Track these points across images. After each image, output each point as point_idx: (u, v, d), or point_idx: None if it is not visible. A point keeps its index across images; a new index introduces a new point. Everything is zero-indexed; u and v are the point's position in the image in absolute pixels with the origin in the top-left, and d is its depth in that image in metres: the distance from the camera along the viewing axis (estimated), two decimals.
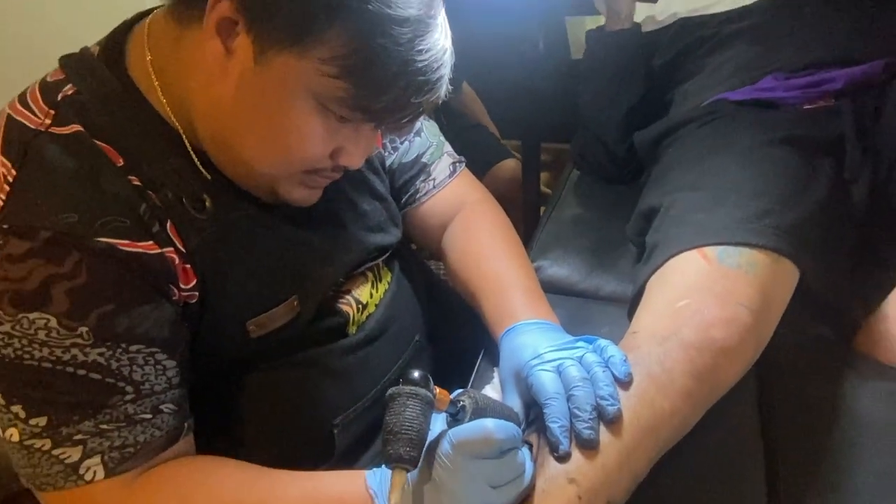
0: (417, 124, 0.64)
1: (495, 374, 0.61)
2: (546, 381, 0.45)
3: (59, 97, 0.42)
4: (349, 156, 0.46)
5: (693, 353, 0.46)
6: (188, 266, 0.44)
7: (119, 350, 0.40)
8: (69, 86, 0.42)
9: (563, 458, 0.42)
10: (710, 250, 0.53)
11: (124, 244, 0.40)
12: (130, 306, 0.40)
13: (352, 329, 0.58)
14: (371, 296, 0.60)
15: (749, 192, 0.59)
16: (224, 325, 0.48)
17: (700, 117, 0.74)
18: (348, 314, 0.57)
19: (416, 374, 0.36)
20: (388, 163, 0.63)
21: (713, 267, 0.53)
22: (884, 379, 0.56)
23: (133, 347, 0.41)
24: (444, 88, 0.45)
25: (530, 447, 0.43)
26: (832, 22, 0.76)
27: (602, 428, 0.43)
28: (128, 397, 0.41)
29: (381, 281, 0.62)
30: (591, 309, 0.56)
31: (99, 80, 0.43)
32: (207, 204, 0.45)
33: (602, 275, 0.72)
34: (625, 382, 0.45)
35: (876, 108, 0.68)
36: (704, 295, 0.50)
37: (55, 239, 0.37)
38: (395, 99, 0.41)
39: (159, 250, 0.42)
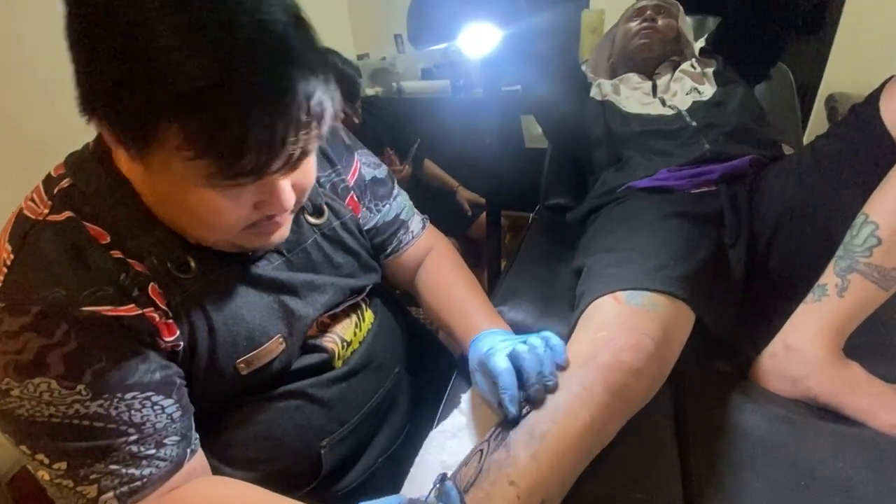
0: (365, 167, 0.72)
1: (463, 399, 0.68)
2: (498, 360, 0.56)
3: (56, 190, 0.47)
4: (270, 206, 0.47)
5: (607, 373, 0.54)
6: (170, 321, 0.48)
7: (116, 399, 0.44)
8: (66, 179, 0.48)
9: (512, 422, 0.52)
10: (621, 294, 0.65)
11: (107, 310, 0.43)
12: (119, 361, 0.44)
13: (337, 363, 0.64)
14: (355, 334, 0.66)
15: (650, 252, 0.72)
16: (216, 365, 0.52)
17: (615, 200, 0.92)
18: (333, 350, 0.63)
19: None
20: (373, 222, 0.72)
21: (623, 307, 0.64)
22: (773, 405, 0.64)
23: (128, 395, 0.45)
24: (321, 121, 0.43)
25: None
26: (709, 129, 0.96)
27: (536, 438, 0.50)
28: (131, 438, 0.45)
29: (363, 321, 0.69)
30: None
31: (90, 174, 0.48)
32: (192, 265, 0.50)
33: (551, 318, 0.81)
34: (563, 367, 0.56)
35: (749, 192, 0.85)
36: (616, 328, 0.60)
37: (44, 312, 0.41)
38: (260, 154, 0.40)
39: (139, 311, 0.45)
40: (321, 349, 0.62)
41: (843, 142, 0.73)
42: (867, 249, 0.62)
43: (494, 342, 0.61)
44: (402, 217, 0.77)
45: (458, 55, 2.12)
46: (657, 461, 0.58)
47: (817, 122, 1.93)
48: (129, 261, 0.47)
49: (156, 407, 0.47)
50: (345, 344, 0.65)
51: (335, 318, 0.66)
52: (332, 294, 0.63)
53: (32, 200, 0.47)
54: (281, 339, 0.56)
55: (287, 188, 0.47)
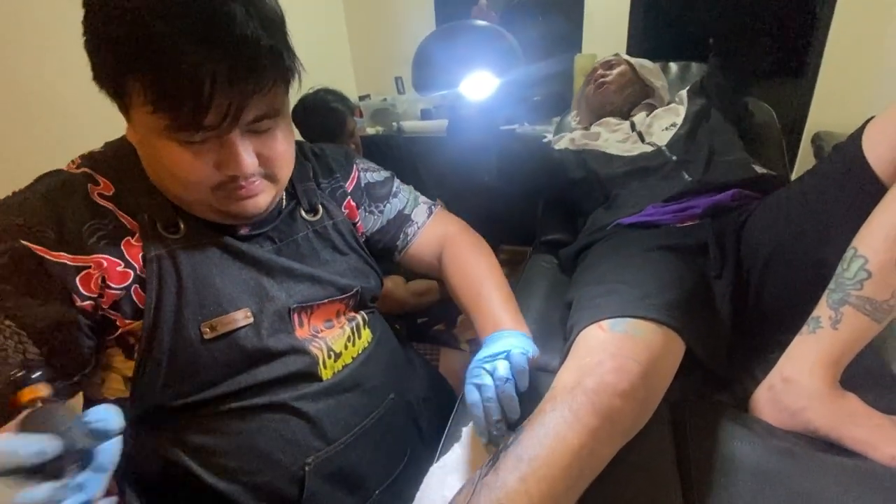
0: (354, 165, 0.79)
1: (464, 433, 0.67)
2: (470, 393, 0.62)
3: (88, 153, 0.57)
4: (229, 166, 0.52)
5: (594, 396, 0.55)
6: (128, 272, 0.53)
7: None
8: (101, 147, 0.59)
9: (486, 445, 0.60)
10: (605, 323, 0.67)
11: (40, 249, 0.49)
12: (18, 290, 0.48)
13: (324, 373, 0.63)
14: (346, 347, 0.67)
15: (635, 282, 0.74)
16: (180, 323, 0.54)
17: (604, 238, 0.95)
18: (317, 356, 0.62)
19: None
20: (379, 224, 0.79)
21: (607, 334, 0.65)
22: (774, 437, 0.64)
23: (7, 322, 0.48)
24: (258, 72, 0.49)
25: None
26: (688, 162, 1.01)
27: (525, 462, 0.51)
28: None
29: (359, 338, 0.69)
30: (541, 379, 0.65)
31: (117, 145, 0.58)
32: (182, 227, 0.56)
33: (550, 353, 0.80)
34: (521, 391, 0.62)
35: (736, 227, 0.87)
36: (601, 353, 0.61)
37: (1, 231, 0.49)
38: (195, 104, 0.46)
39: (67, 262, 0.50)
40: (305, 352, 0.62)
41: (828, 178, 0.75)
42: (858, 282, 0.63)
43: (487, 353, 0.65)
44: (405, 212, 0.82)
45: (457, 98, 2.20)
46: (659, 493, 0.58)
47: (806, 160, 1.99)
48: (120, 213, 0.54)
49: (18, 346, 0.49)
50: (332, 354, 0.65)
51: (328, 324, 0.67)
52: (312, 287, 0.65)
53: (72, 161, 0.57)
54: (249, 313, 0.58)
55: (243, 150, 0.52)
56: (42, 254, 0.49)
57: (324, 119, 1.46)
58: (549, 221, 1.33)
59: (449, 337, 1.76)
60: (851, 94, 1.92)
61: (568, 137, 1.27)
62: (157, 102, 0.46)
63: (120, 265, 0.53)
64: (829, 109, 1.99)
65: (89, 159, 0.57)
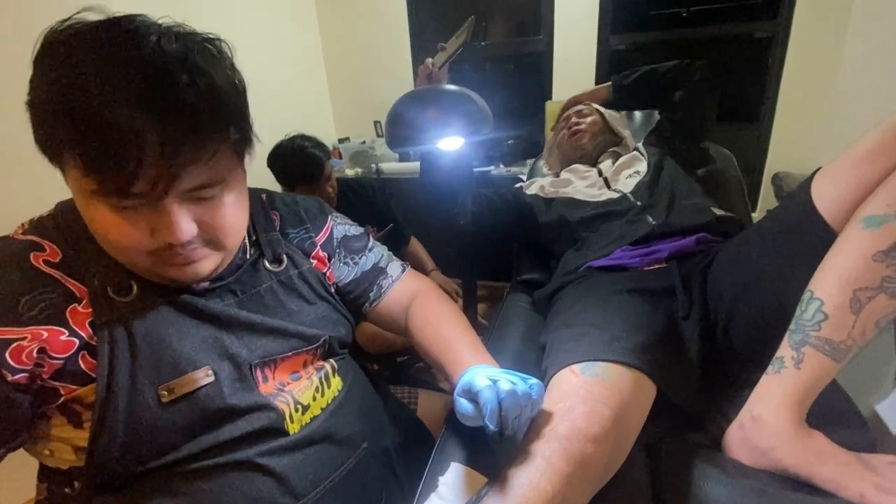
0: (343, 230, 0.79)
1: (441, 482, 0.65)
2: (480, 380, 0.57)
3: (37, 218, 0.56)
4: (163, 234, 0.50)
5: (566, 442, 0.56)
6: (73, 340, 0.50)
7: None
8: (50, 211, 0.57)
9: (493, 441, 0.54)
10: (577, 367, 0.68)
11: None
12: None
13: (291, 427, 0.60)
14: (314, 399, 0.64)
15: (604, 325, 0.75)
16: (136, 387, 0.52)
17: (575, 280, 0.97)
18: (283, 412, 0.60)
19: None
20: (353, 275, 0.78)
21: (579, 378, 0.66)
22: (746, 477, 0.64)
23: None
24: (195, 143, 0.47)
25: None
26: (651, 207, 1.05)
27: None
28: None
29: (329, 387, 0.67)
30: None
31: (67, 207, 0.56)
32: (134, 289, 0.54)
33: None
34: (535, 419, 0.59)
35: (702, 270, 0.90)
36: (573, 398, 0.62)
37: None
38: (118, 171, 0.45)
39: (10, 336, 0.48)
40: (270, 407, 0.59)
41: (783, 224, 0.78)
42: (816, 324, 0.65)
43: (480, 372, 0.62)
44: (380, 265, 0.82)
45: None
46: None
47: (768, 199, 2.08)
48: (67, 280, 0.52)
49: None
50: (299, 407, 0.62)
51: (294, 376, 0.65)
52: (275, 340, 0.63)
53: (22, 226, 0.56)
54: (210, 371, 0.56)
55: (180, 217, 0.50)
56: None
57: (301, 165, 1.48)
58: (524, 261, 1.36)
59: (429, 376, 1.74)
60: (806, 136, 2.03)
61: (538, 184, 1.32)
62: (86, 166, 0.45)
63: (63, 334, 0.50)
64: (785, 151, 2.11)
65: (37, 226, 0.55)
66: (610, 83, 1.40)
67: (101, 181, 0.46)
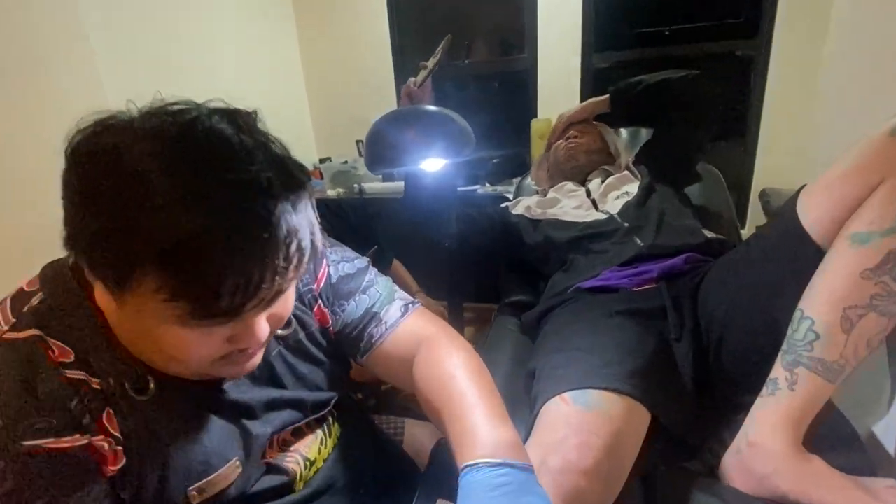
0: (360, 286, 0.68)
1: None
2: None
3: (25, 308, 0.47)
4: (244, 341, 0.47)
5: (559, 476, 0.54)
6: (119, 448, 0.46)
7: None
8: (39, 295, 0.48)
9: None
10: (568, 395, 0.65)
11: (49, 442, 0.42)
12: (62, 496, 0.42)
13: (298, 485, 0.59)
14: (319, 451, 0.63)
15: (595, 350, 0.73)
16: (165, 492, 0.49)
17: (564, 302, 0.95)
18: (294, 472, 0.58)
19: None
20: (339, 324, 0.66)
21: (570, 407, 0.64)
22: None
23: None
24: (296, 264, 0.44)
25: None
26: (639, 228, 1.04)
27: None
28: None
29: (330, 437, 0.65)
30: None
31: (65, 292, 0.48)
32: (151, 385, 0.48)
33: (516, 423, 0.73)
34: None
35: (692, 290, 0.88)
36: (564, 429, 0.60)
37: None
38: (234, 298, 0.40)
39: (85, 441, 0.44)
40: (281, 470, 0.58)
41: (770, 242, 0.78)
42: (808, 344, 0.64)
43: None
44: (373, 309, 0.68)
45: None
46: None
47: (757, 215, 2.09)
48: (93, 379, 0.46)
49: None
50: (308, 463, 0.61)
51: (298, 434, 0.62)
52: (291, 412, 0.61)
53: None
54: (238, 463, 0.53)
55: (262, 324, 0.47)
56: (54, 445, 0.43)
57: None
58: (512, 282, 1.33)
59: (416, 405, 1.69)
60: (792, 151, 2.06)
61: (524, 204, 1.30)
62: (182, 294, 0.39)
63: (112, 443, 0.47)
64: (772, 167, 2.14)
65: (34, 318, 0.47)
66: (606, 96, 1.33)
67: (193, 309, 0.40)
